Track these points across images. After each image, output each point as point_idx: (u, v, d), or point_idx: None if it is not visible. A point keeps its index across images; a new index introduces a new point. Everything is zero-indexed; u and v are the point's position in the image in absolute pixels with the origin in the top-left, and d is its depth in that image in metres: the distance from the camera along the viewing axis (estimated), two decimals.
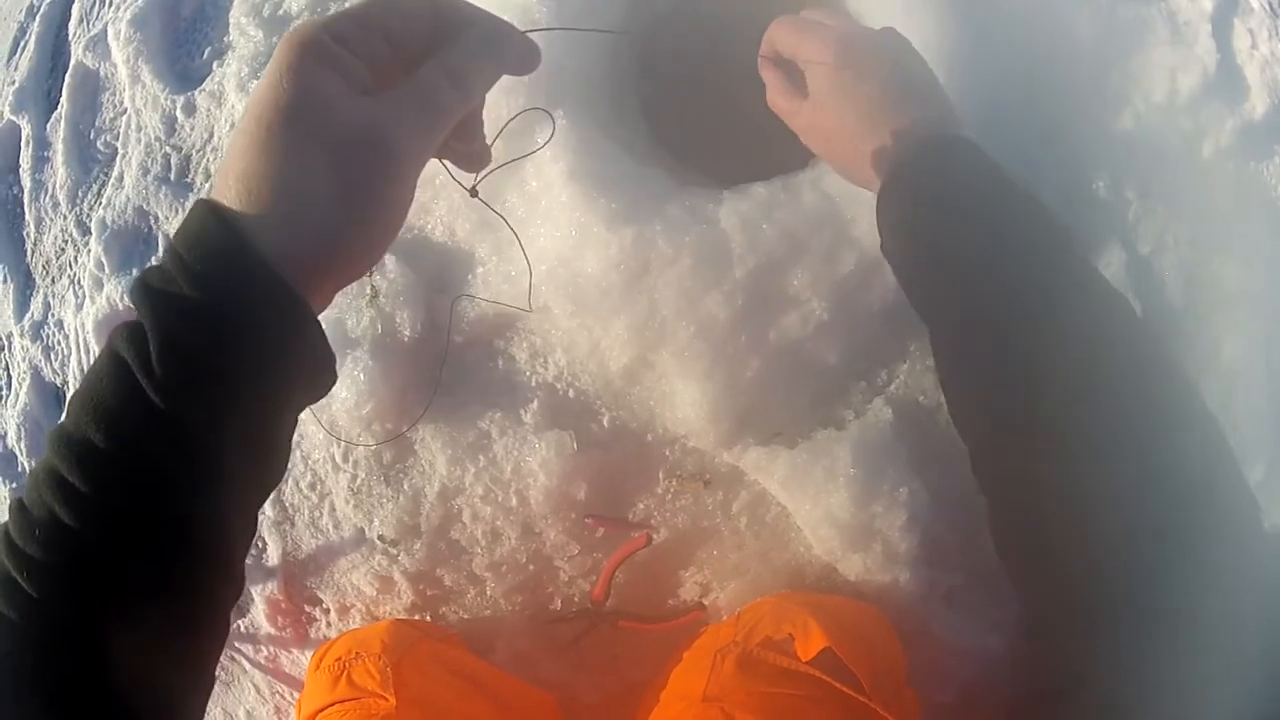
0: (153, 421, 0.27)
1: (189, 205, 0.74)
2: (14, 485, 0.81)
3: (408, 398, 0.64)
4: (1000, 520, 0.39)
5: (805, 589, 0.63)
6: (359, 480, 0.68)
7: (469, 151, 0.35)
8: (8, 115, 0.82)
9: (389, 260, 0.65)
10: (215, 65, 0.75)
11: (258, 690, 0.74)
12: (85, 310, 0.76)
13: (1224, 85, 0.64)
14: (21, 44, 0.84)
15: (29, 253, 0.81)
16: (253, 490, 0.30)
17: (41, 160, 0.81)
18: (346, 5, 0.31)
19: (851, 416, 0.62)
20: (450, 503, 0.66)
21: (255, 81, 0.70)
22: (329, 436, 0.67)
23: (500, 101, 0.60)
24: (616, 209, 0.58)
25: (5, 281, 0.81)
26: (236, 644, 0.74)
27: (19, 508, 0.28)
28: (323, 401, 0.69)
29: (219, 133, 0.74)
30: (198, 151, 0.75)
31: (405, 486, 0.67)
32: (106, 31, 0.78)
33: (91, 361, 0.76)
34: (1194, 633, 0.31)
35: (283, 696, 0.74)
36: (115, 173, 0.77)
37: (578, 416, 0.63)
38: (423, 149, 0.30)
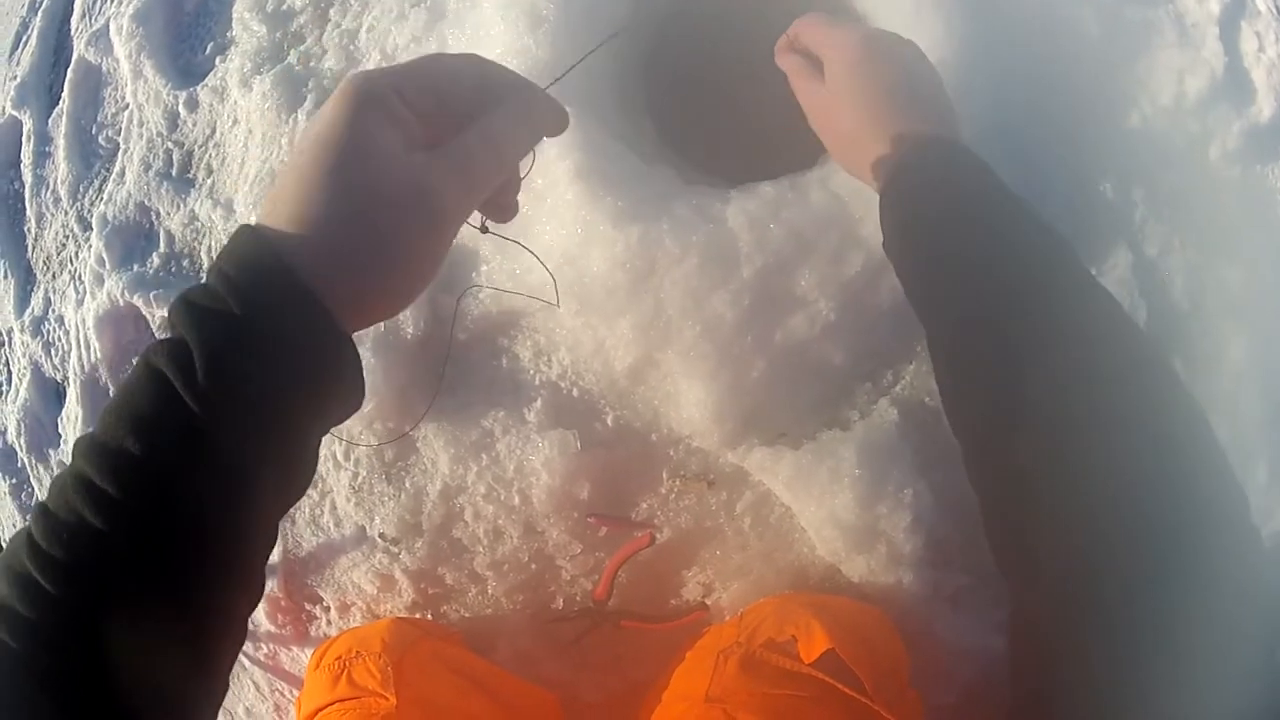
0: (191, 433, 0.28)
1: (189, 201, 0.74)
2: (13, 481, 0.81)
3: (409, 396, 0.64)
4: (994, 520, 0.39)
5: (809, 590, 0.63)
6: (360, 478, 0.67)
7: (503, 204, 0.37)
8: (9, 110, 0.82)
9: None
10: (218, 60, 0.74)
11: (257, 688, 0.74)
12: (86, 306, 0.76)
13: (1231, 88, 0.64)
14: (24, 39, 0.84)
15: (30, 248, 0.81)
16: (279, 503, 0.32)
17: (43, 155, 0.81)
18: (399, 62, 0.34)
19: (857, 417, 0.62)
20: (452, 501, 0.65)
21: (258, 77, 0.70)
22: (330, 435, 0.66)
23: None
24: (623, 207, 0.57)
25: (6, 277, 0.81)
26: None
27: (44, 512, 0.29)
28: None
29: (221, 128, 0.74)
30: (200, 147, 0.75)
31: (407, 484, 0.66)
32: (109, 26, 0.78)
33: (92, 357, 0.76)
34: (1189, 633, 0.31)
35: (282, 694, 0.73)
36: (117, 168, 0.77)
37: (581, 415, 0.63)
38: (464, 209, 0.32)
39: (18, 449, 0.80)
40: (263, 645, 0.73)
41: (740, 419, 0.60)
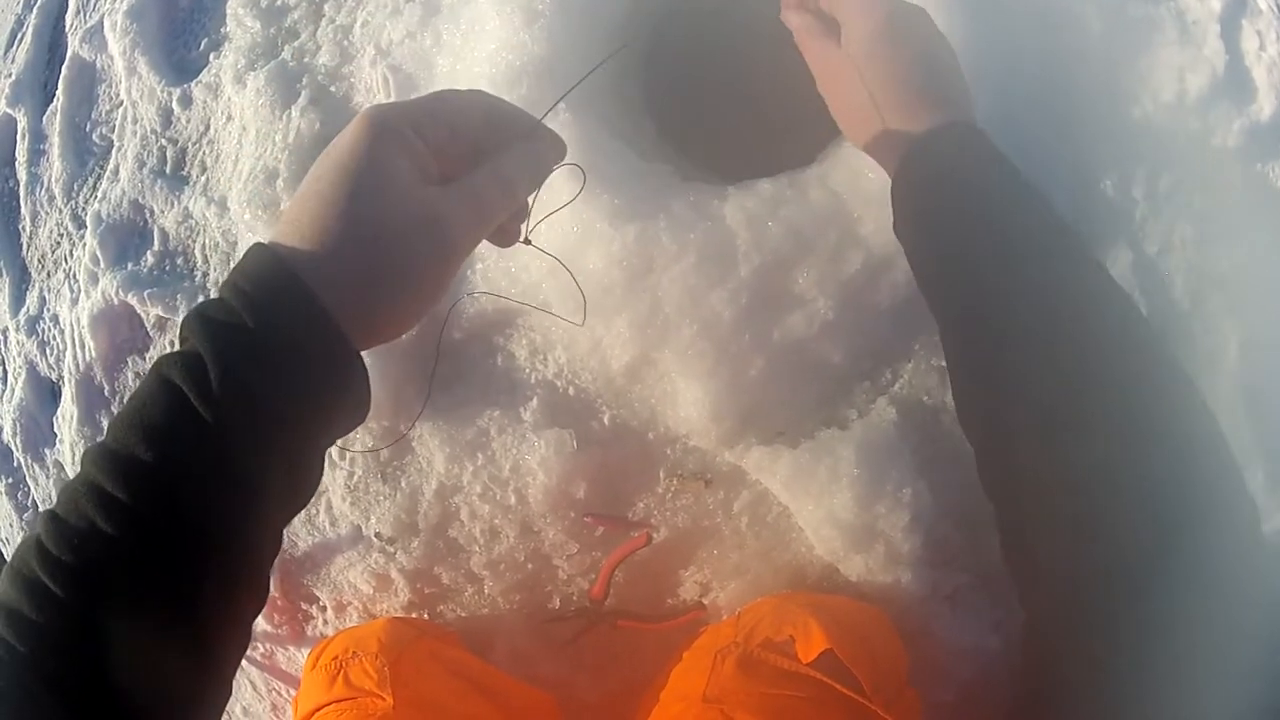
0: (202, 442, 0.29)
1: (183, 198, 0.73)
2: (9, 480, 0.80)
3: (405, 395, 0.64)
4: (1001, 514, 0.39)
5: (806, 589, 0.63)
6: (356, 477, 0.67)
7: (507, 230, 0.40)
8: (4, 108, 0.81)
9: None
10: (212, 57, 0.74)
11: (254, 687, 0.74)
12: (80, 305, 0.75)
13: (1232, 86, 0.64)
14: (18, 36, 0.83)
15: (25, 246, 0.81)
16: (285, 511, 0.33)
17: (38, 153, 0.80)
18: (414, 97, 0.36)
19: (855, 416, 0.61)
20: (448, 501, 0.65)
21: (252, 74, 0.70)
22: None
23: (503, 95, 0.59)
24: (620, 205, 0.57)
25: (1, 276, 0.81)
26: None
27: (53, 519, 0.29)
28: None
29: (215, 125, 0.74)
30: (193, 144, 0.74)
31: (403, 484, 0.66)
32: (103, 23, 0.78)
33: (86, 356, 0.76)
34: (1194, 634, 0.31)
35: (279, 694, 0.73)
36: (111, 166, 0.77)
37: (578, 415, 0.63)
38: (473, 241, 0.34)
39: (13, 448, 0.79)
40: (259, 645, 0.72)
41: (738, 418, 0.59)
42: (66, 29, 0.81)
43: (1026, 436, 0.37)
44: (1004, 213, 0.42)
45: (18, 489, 0.80)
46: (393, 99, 0.67)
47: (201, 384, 0.28)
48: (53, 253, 0.79)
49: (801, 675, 0.49)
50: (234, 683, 0.74)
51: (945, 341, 0.44)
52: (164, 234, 0.74)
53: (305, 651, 0.70)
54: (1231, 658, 0.31)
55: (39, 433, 0.79)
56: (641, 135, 0.68)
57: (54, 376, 0.78)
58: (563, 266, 0.51)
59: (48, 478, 0.79)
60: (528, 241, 0.42)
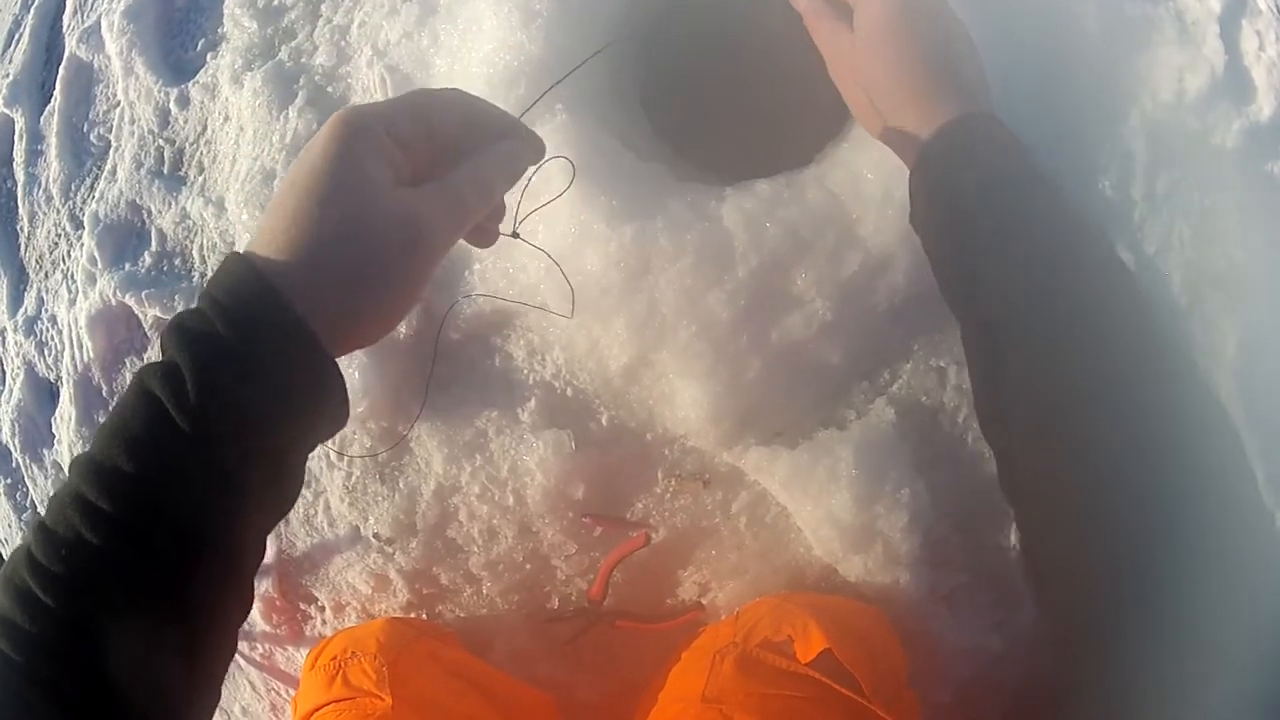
0: (182, 451, 0.29)
1: (181, 199, 0.73)
2: (8, 481, 0.80)
3: (403, 395, 0.64)
4: (1024, 517, 0.39)
5: (805, 589, 0.63)
6: (354, 478, 0.67)
7: (486, 229, 0.40)
8: (1, 109, 0.81)
9: None
10: (209, 57, 0.74)
11: (253, 687, 0.74)
12: (78, 305, 0.75)
13: (1231, 86, 0.63)
14: (16, 36, 0.83)
15: (22, 247, 0.81)
16: (267, 517, 0.33)
17: (35, 154, 0.80)
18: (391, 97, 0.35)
19: (853, 417, 0.61)
20: (446, 501, 0.65)
21: (249, 74, 0.70)
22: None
23: (499, 96, 0.59)
24: (617, 205, 0.57)
25: None
26: None
27: (41, 528, 0.30)
28: None
29: (212, 125, 0.73)
30: (191, 144, 0.74)
31: (401, 485, 0.66)
32: (100, 23, 0.77)
33: (84, 357, 0.75)
34: (1210, 632, 0.31)
35: (278, 694, 0.73)
36: (108, 166, 0.77)
37: (576, 415, 0.63)
38: (449, 242, 0.34)
39: (12, 449, 0.79)
40: (258, 645, 0.72)
41: (736, 418, 0.59)
42: (64, 29, 0.81)
43: (1043, 437, 0.37)
44: (1025, 208, 0.41)
45: (16, 489, 0.80)
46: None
47: (179, 395, 0.29)
48: (50, 253, 0.79)
49: (800, 675, 0.49)
50: (233, 682, 0.74)
51: (965, 338, 0.43)
52: (161, 234, 0.74)
53: (304, 652, 0.70)
54: (1246, 654, 0.31)
55: (37, 433, 0.79)
56: (639, 135, 0.67)
57: (52, 377, 0.78)
58: (551, 260, 0.51)
59: (46, 478, 0.79)
60: (515, 235, 0.42)
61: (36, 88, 0.81)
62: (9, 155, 0.81)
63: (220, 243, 0.72)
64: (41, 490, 0.79)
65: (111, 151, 0.77)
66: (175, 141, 0.75)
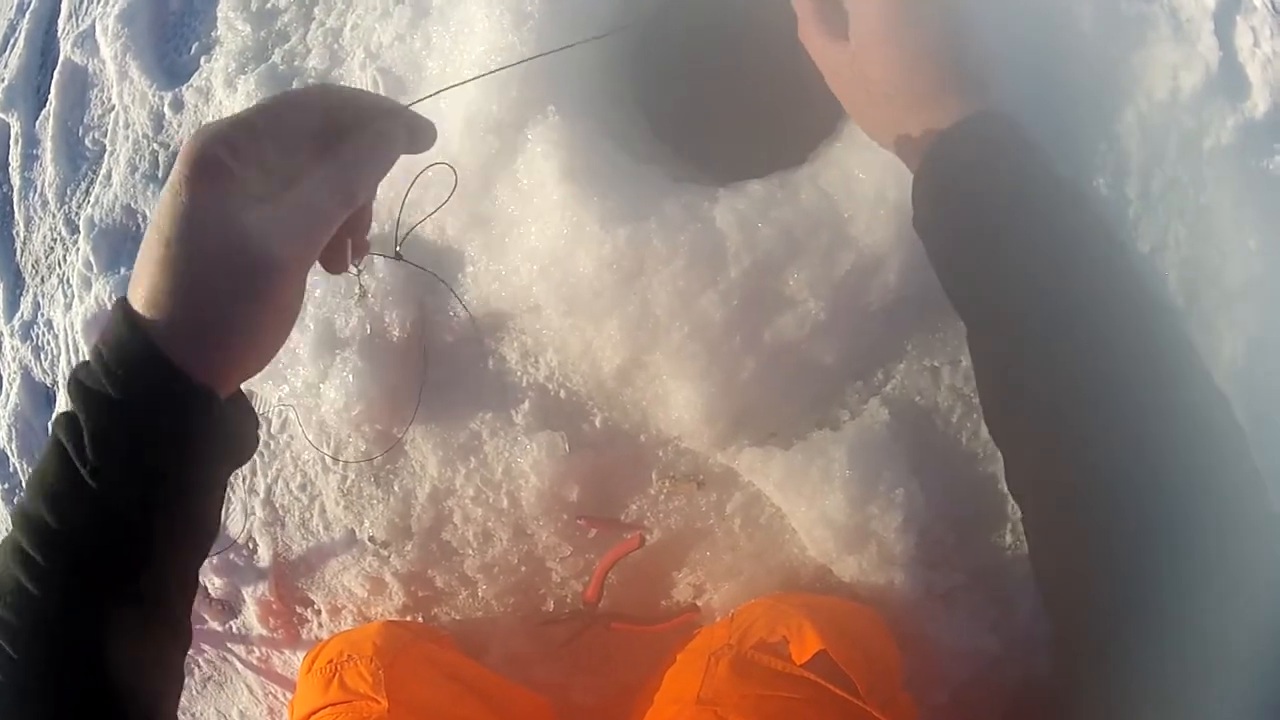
0: (90, 504, 0.31)
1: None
2: (5, 485, 0.80)
3: (398, 398, 0.64)
4: (1032, 516, 0.39)
5: (800, 590, 0.63)
6: (349, 481, 0.67)
7: (333, 257, 0.37)
8: None
9: (378, 260, 0.64)
10: (203, 61, 0.74)
11: (250, 691, 0.74)
12: (74, 310, 0.75)
13: (1226, 83, 0.63)
14: (10, 41, 0.83)
15: (18, 252, 0.81)
16: (187, 553, 0.34)
17: (30, 158, 0.80)
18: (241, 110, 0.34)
19: (847, 417, 0.61)
20: (441, 504, 0.65)
21: (243, 77, 0.70)
22: (317, 446, 0.66)
23: (492, 97, 0.59)
24: (610, 207, 0.57)
25: None
26: (228, 644, 0.73)
27: None
28: (311, 403, 0.68)
29: None
30: None
31: (396, 488, 0.66)
32: (95, 28, 0.78)
33: (79, 360, 0.76)
34: (1216, 632, 0.31)
35: (275, 697, 0.73)
36: (103, 170, 0.77)
37: (570, 417, 0.63)
38: (305, 257, 0.32)
39: (9, 454, 0.80)
40: (255, 649, 0.73)
41: (730, 419, 0.59)
42: (58, 33, 0.81)
43: (1051, 439, 0.37)
44: (1033, 212, 0.40)
45: (14, 494, 0.80)
46: None
47: (80, 450, 0.31)
48: (46, 258, 0.79)
49: (795, 677, 0.49)
50: (231, 686, 0.74)
51: (971, 342, 0.42)
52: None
53: (300, 655, 0.70)
54: (1247, 655, 0.31)
55: (34, 438, 0.79)
56: (632, 132, 0.67)
57: (48, 381, 0.78)
58: (440, 280, 0.49)
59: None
60: (398, 256, 0.40)
61: (31, 92, 0.81)
62: (4, 160, 0.81)
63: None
64: None
65: (106, 156, 0.77)
66: (170, 145, 0.75)
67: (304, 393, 0.65)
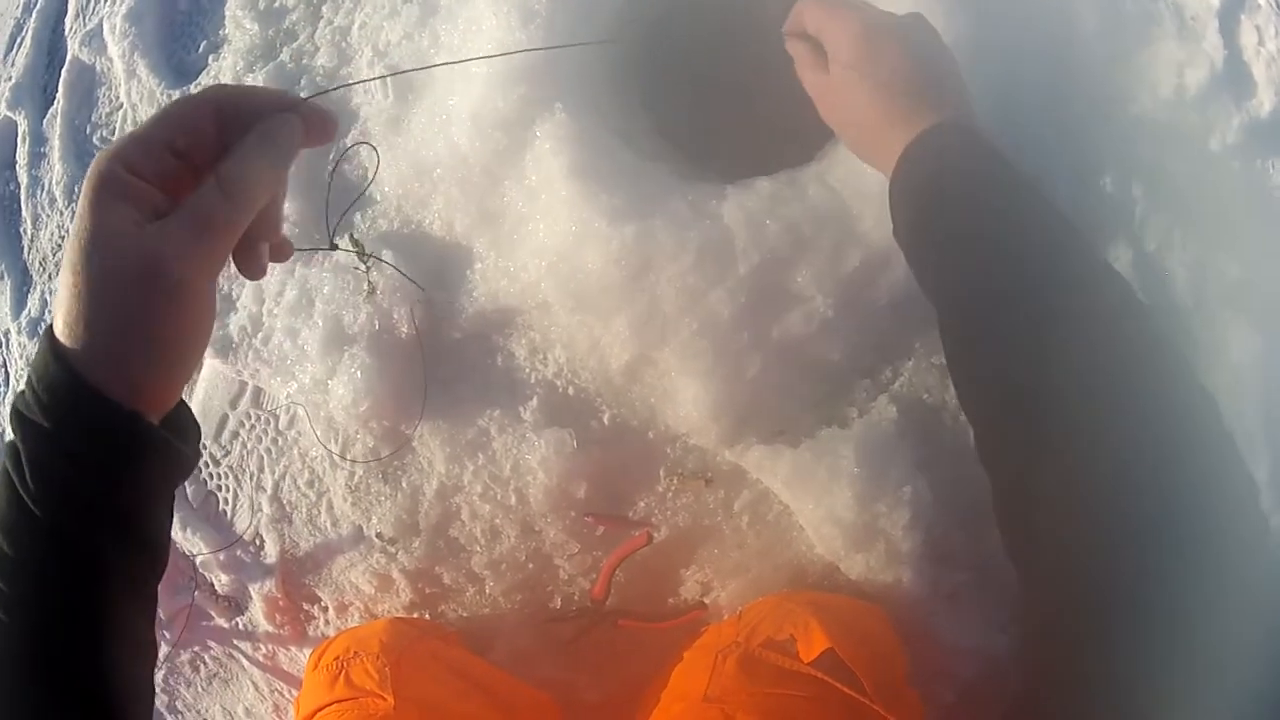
0: (38, 532, 0.32)
1: None
2: None
3: (405, 395, 0.64)
4: (1003, 507, 0.39)
5: (807, 588, 0.62)
6: (357, 478, 0.67)
7: (250, 259, 0.36)
8: (4, 111, 0.82)
9: (386, 254, 0.64)
10: (211, 59, 0.74)
11: (256, 688, 0.74)
12: None
13: (1231, 81, 0.63)
14: (18, 40, 0.84)
15: (26, 249, 0.81)
16: (142, 572, 0.35)
17: (38, 156, 0.80)
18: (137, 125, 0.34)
19: (855, 414, 0.61)
20: (449, 501, 0.65)
21: (250, 75, 0.70)
22: (323, 443, 0.66)
23: (499, 95, 0.59)
24: (618, 204, 0.57)
25: (2, 278, 0.81)
26: (234, 641, 0.73)
27: None
28: (319, 399, 0.68)
29: None
30: None
31: (403, 484, 0.66)
32: (102, 26, 0.78)
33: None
34: (1198, 629, 0.31)
35: (281, 694, 0.73)
36: None
37: (578, 414, 0.63)
38: (205, 268, 0.32)
39: None
40: (261, 645, 0.73)
41: (737, 416, 0.59)
42: (66, 32, 0.81)
43: (1031, 422, 0.37)
44: (1003, 205, 0.42)
45: None
46: (390, 100, 0.67)
47: (20, 478, 0.32)
48: (54, 255, 0.79)
49: (802, 674, 0.49)
50: (237, 683, 0.74)
51: (946, 331, 0.43)
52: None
53: (307, 652, 0.70)
54: (1239, 646, 0.31)
55: None
56: (640, 133, 0.68)
57: None
58: (398, 270, 0.48)
59: None
60: (334, 247, 0.39)
61: (39, 90, 0.82)
62: (12, 158, 0.82)
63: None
64: None
65: None
66: None
67: (312, 389, 0.65)
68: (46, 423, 0.31)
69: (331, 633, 0.70)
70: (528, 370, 0.64)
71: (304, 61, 0.70)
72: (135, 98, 0.76)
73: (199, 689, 0.75)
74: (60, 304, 0.31)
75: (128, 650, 0.35)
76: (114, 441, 0.32)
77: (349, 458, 0.67)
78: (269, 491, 0.70)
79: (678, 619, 0.63)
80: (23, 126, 0.81)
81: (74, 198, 0.78)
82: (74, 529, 0.32)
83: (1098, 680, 0.32)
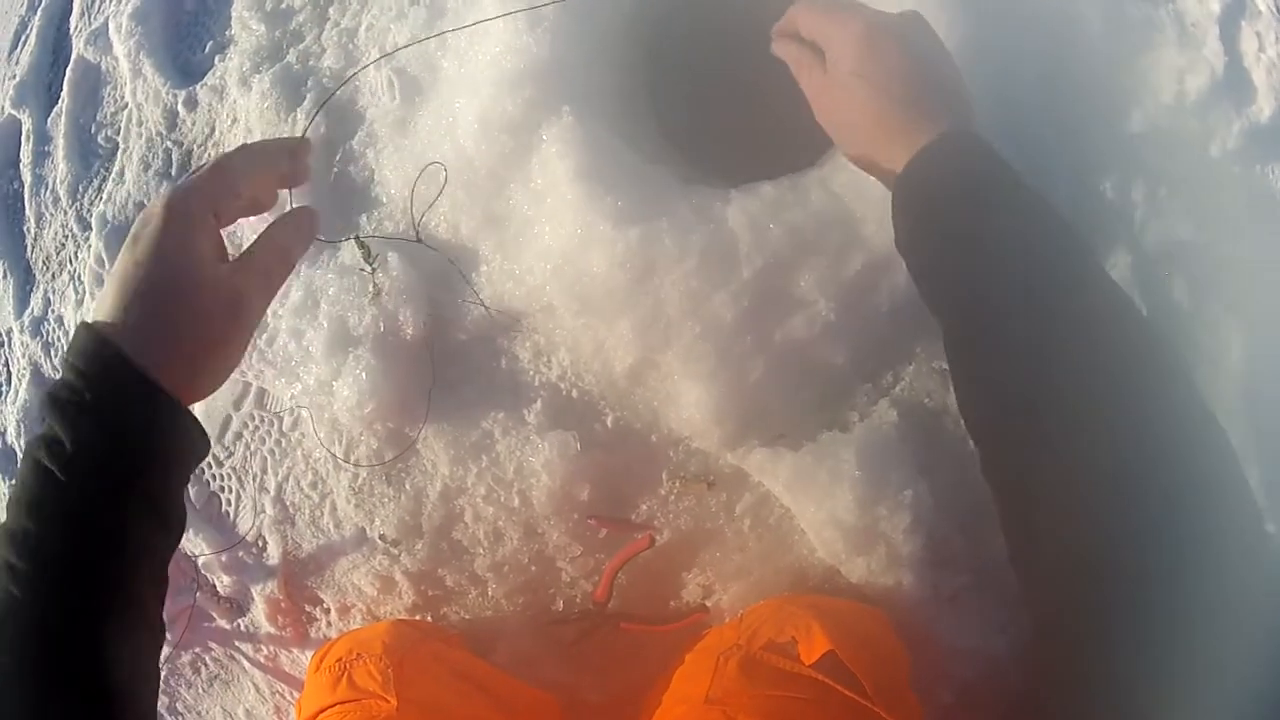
0: (64, 498, 0.35)
1: None
2: (13, 481, 0.80)
3: (410, 396, 0.64)
4: (1006, 514, 0.39)
5: (808, 591, 0.63)
6: (360, 479, 0.67)
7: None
8: (8, 110, 0.82)
9: (392, 258, 0.64)
10: (217, 59, 0.74)
11: (257, 689, 0.74)
12: (85, 306, 0.76)
13: (1231, 87, 0.64)
14: (23, 38, 0.84)
15: (29, 248, 0.81)
16: (160, 548, 0.38)
17: (42, 155, 0.80)
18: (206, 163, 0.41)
19: (857, 418, 0.61)
20: (452, 503, 0.65)
21: (257, 76, 0.70)
22: (327, 446, 0.66)
23: (506, 97, 0.59)
24: (623, 207, 0.57)
25: (5, 277, 0.81)
26: (236, 643, 0.73)
27: None
28: (324, 400, 0.68)
29: (220, 127, 0.74)
30: (199, 146, 0.75)
31: (407, 486, 0.66)
32: (108, 25, 0.78)
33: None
34: (1198, 629, 0.31)
35: (283, 696, 0.73)
36: (116, 168, 0.77)
37: (581, 417, 0.63)
38: (263, 309, 0.42)
39: (17, 450, 0.80)
40: (263, 647, 0.73)
41: (740, 420, 0.59)
42: (71, 31, 0.81)
43: (1033, 429, 0.37)
44: (1006, 213, 0.42)
45: None
46: (397, 102, 0.67)
47: (61, 458, 0.35)
48: (57, 254, 0.79)
49: (804, 677, 0.49)
50: (238, 684, 0.74)
51: (950, 340, 0.44)
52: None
53: (309, 653, 0.70)
54: (1239, 655, 0.31)
55: None
56: (645, 136, 0.68)
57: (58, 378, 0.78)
58: (453, 265, 0.50)
59: None
60: (418, 239, 0.50)
61: (43, 89, 0.82)
62: (16, 156, 0.82)
63: (229, 245, 0.72)
64: None
65: (119, 153, 0.77)
66: (183, 143, 0.75)
67: (316, 390, 0.65)
68: (90, 398, 0.35)
69: (334, 634, 0.70)
70: (532, 373, 0.64)
71: (310, 63, 0.70)
72: (140, 97, 0.76)
73: (200, 690, 0.75)
74: (125, 305, 0.36)
75: (142, 629, 0.37)
76: (155, 422, 0.36)
77: (352, 461, 0.67)
78: (272, 493, 0.70)
79: (679, 622, 0.63)
80: (27, 125, 0.81)
81: (77, 197, 0.78)
82: (103, 501, 0.35)
83: (1098, 680, 0.32)
